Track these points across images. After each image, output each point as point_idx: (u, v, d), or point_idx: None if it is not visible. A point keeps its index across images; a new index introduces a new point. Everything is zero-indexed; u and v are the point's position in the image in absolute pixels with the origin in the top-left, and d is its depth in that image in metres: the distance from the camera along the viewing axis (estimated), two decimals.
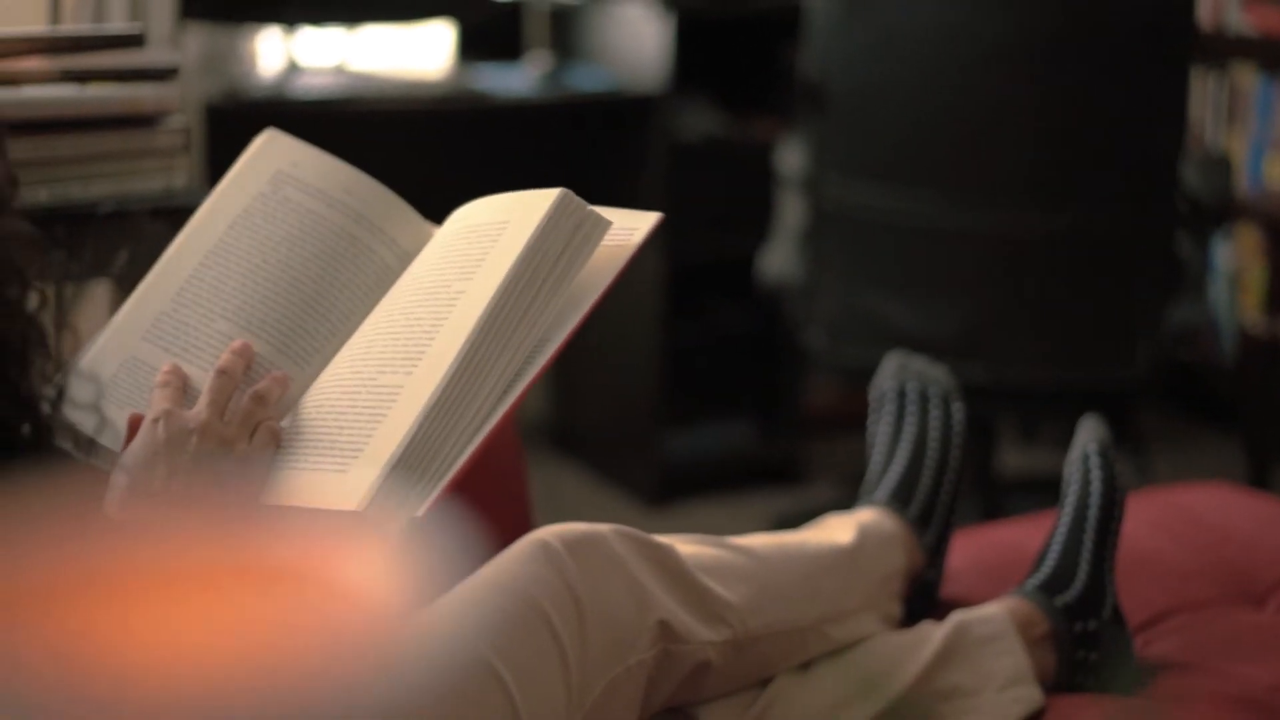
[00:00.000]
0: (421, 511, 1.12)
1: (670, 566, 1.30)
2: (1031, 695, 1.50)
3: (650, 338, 3.36)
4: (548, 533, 1.26)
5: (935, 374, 1.75)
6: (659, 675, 1.28)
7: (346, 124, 3.19)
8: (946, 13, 2.70)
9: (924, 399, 1.73)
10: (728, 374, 3.64)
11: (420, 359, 1.18)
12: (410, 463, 1.13)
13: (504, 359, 1.17)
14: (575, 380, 3.64)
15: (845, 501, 3.26)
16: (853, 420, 3.89)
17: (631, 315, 3.38)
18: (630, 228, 1.23)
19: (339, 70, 3.36)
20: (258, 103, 3.09)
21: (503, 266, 1.18)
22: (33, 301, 0.89)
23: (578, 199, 1.20)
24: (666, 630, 1.27)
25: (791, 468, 3.57)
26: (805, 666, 1.44)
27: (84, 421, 1.14)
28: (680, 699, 1.33)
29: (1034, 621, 1.53)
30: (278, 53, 3.31)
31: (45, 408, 0.89)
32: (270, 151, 1.38)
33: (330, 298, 1.30)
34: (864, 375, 3.15)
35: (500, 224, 1.22)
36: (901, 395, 1.74)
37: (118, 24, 1.86)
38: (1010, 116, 2.73)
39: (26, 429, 0.87)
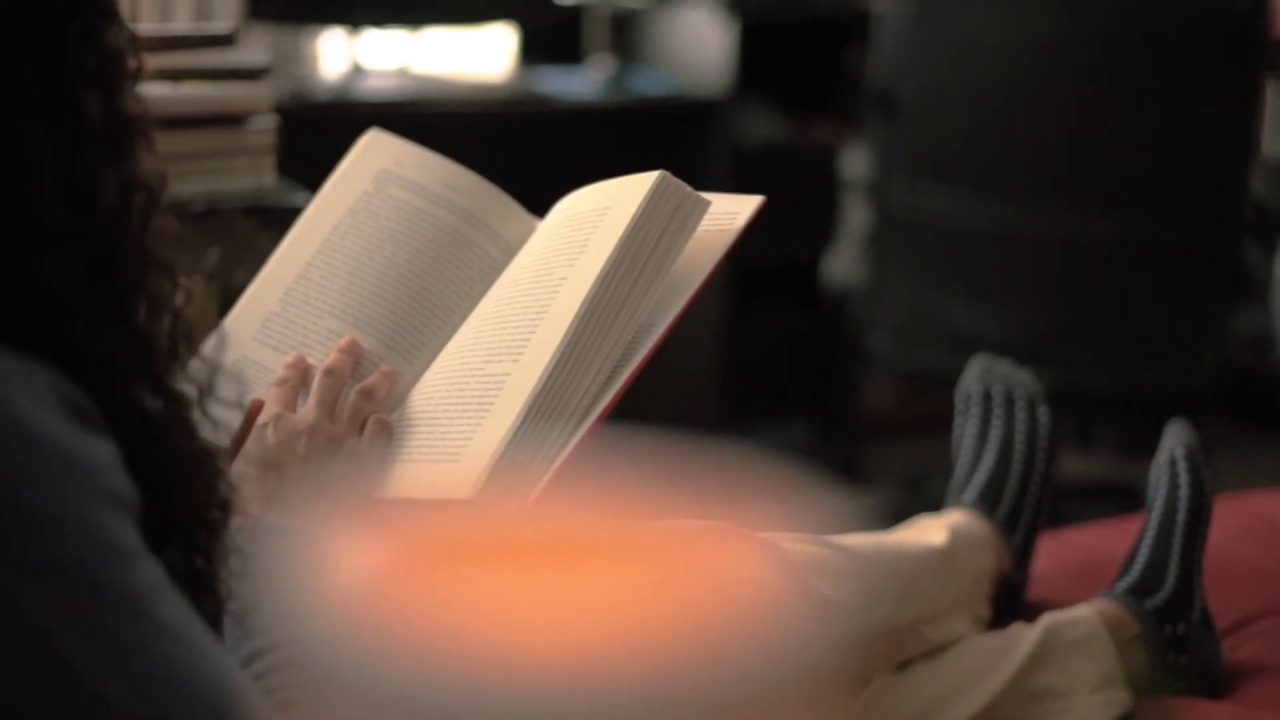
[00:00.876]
0: (532, 498, 1.13)
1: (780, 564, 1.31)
2: (1122, 698, 1.50)
3: (711, 340, 3.38)
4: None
5: (1021, 378, 1.76)
6: None
7: (411, 126, 3.20)
8: (1016, 19, 2.71)
9: (1010, 402, 1.73)
10: (787, 377, 3.65)
11: (525, 346, 1.19)
12: (520, 450, 1.14)
13: (608, 343, 1.17)
14: (636, 381, 3.65)
15: (904, 505, 3.27)
16: (910, 424, 3.91)
17: (693, 318, 3.37)
18: (733, 212, 1.24)
19: (402, 73, 3.38)
20: (323, 105, 3.11)
21: (604, 250, 1.19)
22: (180, 298, 0.90)
23: (676, 180, 1.21)
24: None
25: (850, 470, 3.58)
26: (901, 667, 1.44)
27: (231, 418, 1.16)
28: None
29: (1124, 624, 1.54)
30: (341, 55, 3.33)
31: (191, 404, 0.90)
32: (374, 151, 1.39)
33: (436, 293, 1.32)
34: (928, 379, 3.16)
35: (601, 209, 1.23)
36: (987, 398, 1.74)
37: (212, 24, 1.88)
38: (1079, 122, 2.73)
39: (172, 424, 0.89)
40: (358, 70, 3.29)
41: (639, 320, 1.19)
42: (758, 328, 3.51)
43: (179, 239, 0.88)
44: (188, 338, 0.90)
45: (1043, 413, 1.73)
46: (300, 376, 1.24)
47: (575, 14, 3.66)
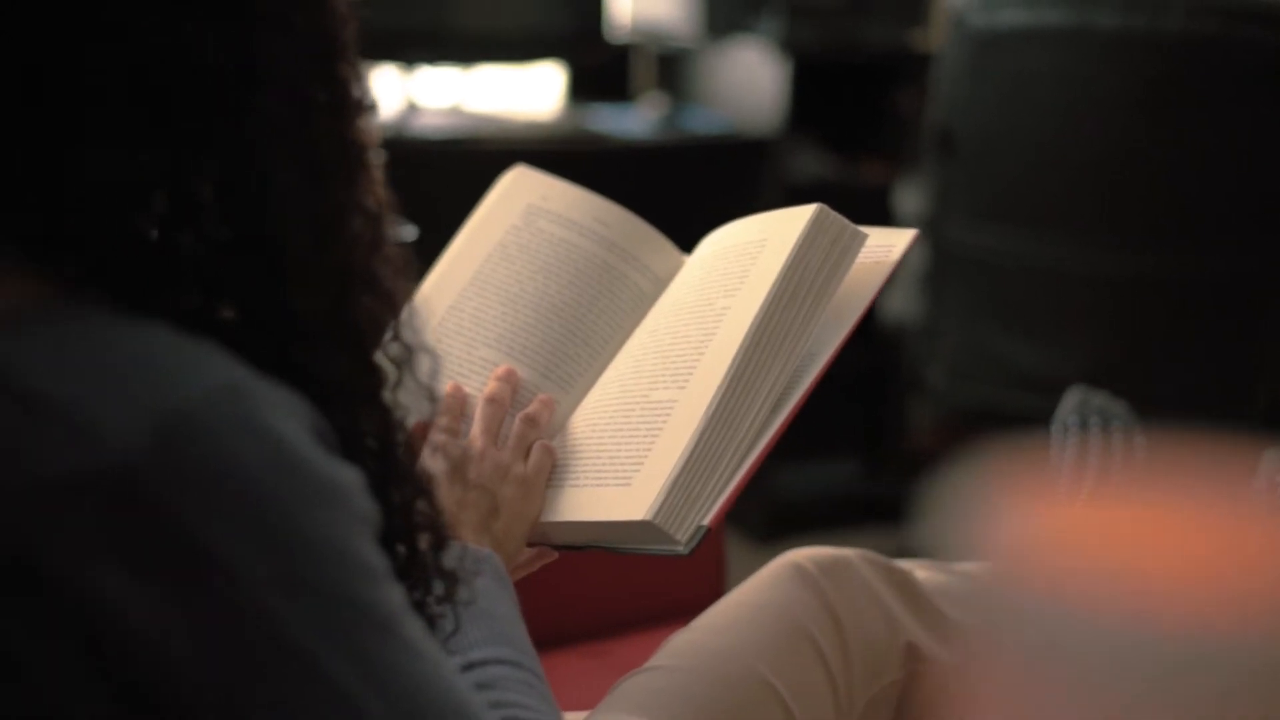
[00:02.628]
0: (710, 520, 1.16)
1: (911, 590, 1.34)
2: None
3: None
4: (799, 555, 1.29)
5: (1117, 408, 1.79)
6: (906, 697, 1.31)
7: (467, 163, 3.25)
8: (1072, 57, 2.74)
9: (1107, 433, 1.76)
10: (836, 412, 3.68)
11: (692, 373, 1.21)
12: (693, 472, 1.17)
13: (774, 371, 1.20)
14: None
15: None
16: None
17: None
18: (888, 244, 1.27)
19: (455, 110, 3.42)
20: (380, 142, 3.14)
21: (766, 280, 1.21)
22: (405, 330, 0.93)
23: (834, 213, 1.24)
24: (914, 652, 1.30)
25: (898, 506, 3.60)
26: None
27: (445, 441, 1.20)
28: None
29: None
30: (395, 92, 3.36)
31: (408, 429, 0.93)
32: (520, 186, 1.42)
33: (589, 323, 1.35)
34: (984, 415, 3.18)
35: (758, 242, 1.26)
36: (1084, 429, 1.77)
37: None
38: (1134, 159, 2.77)
39: (374, 443, 0.91)
40: (412, 108, 3.33)
41: (803, 348, 1.21)
42: None
43: (403, 269, 0.91)
44: (407, 365, 0.93)
45: (1139, 443, 1.76)
46: (460, 405, 1.27)
47: (623, 53, 3.70)
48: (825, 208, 1.24)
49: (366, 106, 0.89)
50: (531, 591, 1.19)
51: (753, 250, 1.26)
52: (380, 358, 0.91)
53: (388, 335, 0.92)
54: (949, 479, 0.46)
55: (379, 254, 0.89)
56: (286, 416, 0.77)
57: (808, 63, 3.39)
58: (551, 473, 1.25)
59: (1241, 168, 2.75)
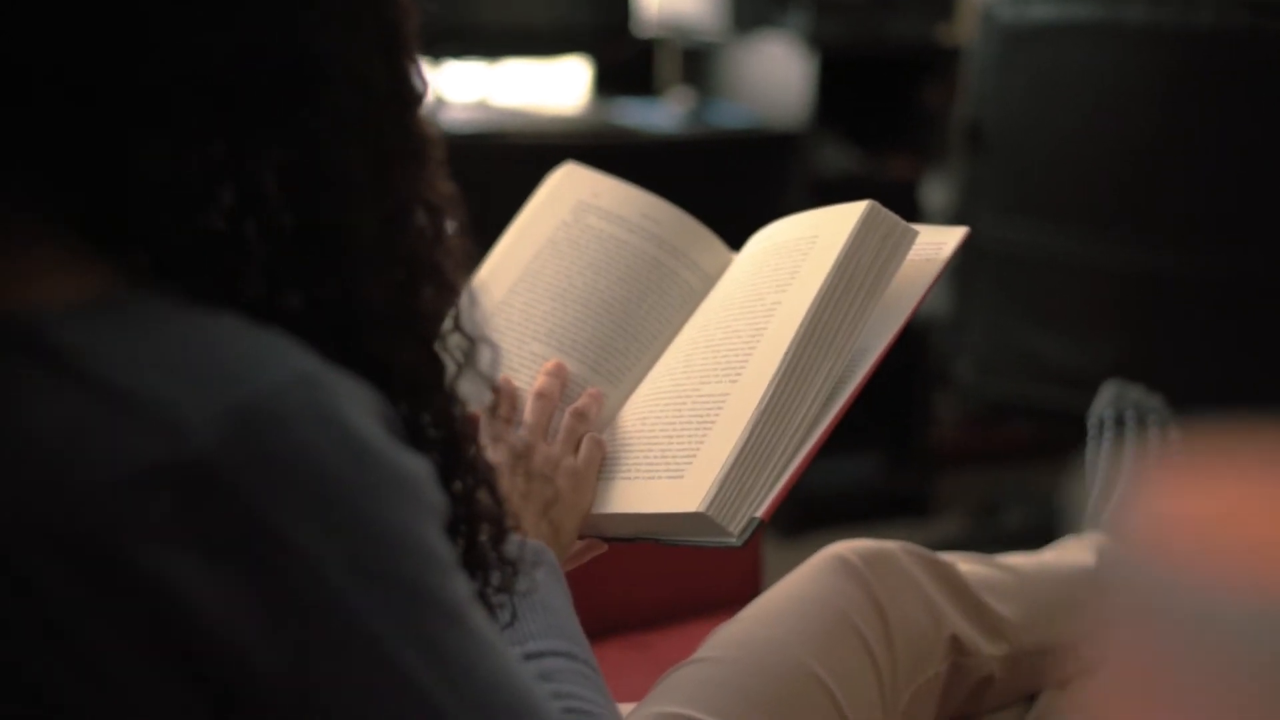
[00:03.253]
0: (763, 512, 1.16)
1: (954, 583, 1.34)
2: None
3: None
4: (843, 548, 1.30)
5: (1153, 403, 1.79)
6: (950, 688, 1.31)
7: (494, 158, 3.25)
8: (1103, 51, 2.74)
9: (1143, 428, 1.76)
10: (863, 406, 3.67)
11: (744, 367, 1.22)
12: (746, 465, 1.18)
13: (826, 365, 1.21)
14: None
15: (974, 536, 3.29)
16: (981, 454, 3.93)
17: None
18: (939, 242, 1.27)
19: (481, 105, 3.43)
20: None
21: (818, 276, 1.22)
22: (467, 321, 0.94)
23: (885, 210, 1.24)
24: (957, 644, 1.31)
25: (921, 501, 3.61)
26: (1063, 683, 1.47)
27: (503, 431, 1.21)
28: (963, 711, 1.36)
29: None
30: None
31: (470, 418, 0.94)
32: (570, 183, 1.43)
33: (638, 319, 1.35)
34: (1011, 409, 3.19)
35: (809, 238, 1.26)
36: (1120, 423, 1.77)
37: None
38: (1164, 154, 2.76)
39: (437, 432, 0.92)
40: (439, 102, 3.33)
41: (855, 343, 1.22)
42: None
43: (464, 262, 0.91)
44: (469, 355, 0.93)
45: (1175, 438, 1.76)
46: (511, 399, 1.27)
47: (649, 47, 3.70)
48: (877, 205, 1.24)
49: (428, 99, 0.90)
50: (574, 584, 1.19)
51: (804, 246, 1.26)
52: (441, 348, 0.92)
53: (448, 326, 0.93)
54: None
55: (441, 246, 0.90)
56: (357, 406, 0.77)
57: (834, 57, 3.39)
58: (602, 466, 1.26)
59: (1271, 163, 2.74)
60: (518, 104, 3.49)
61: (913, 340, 3.35)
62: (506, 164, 3.58)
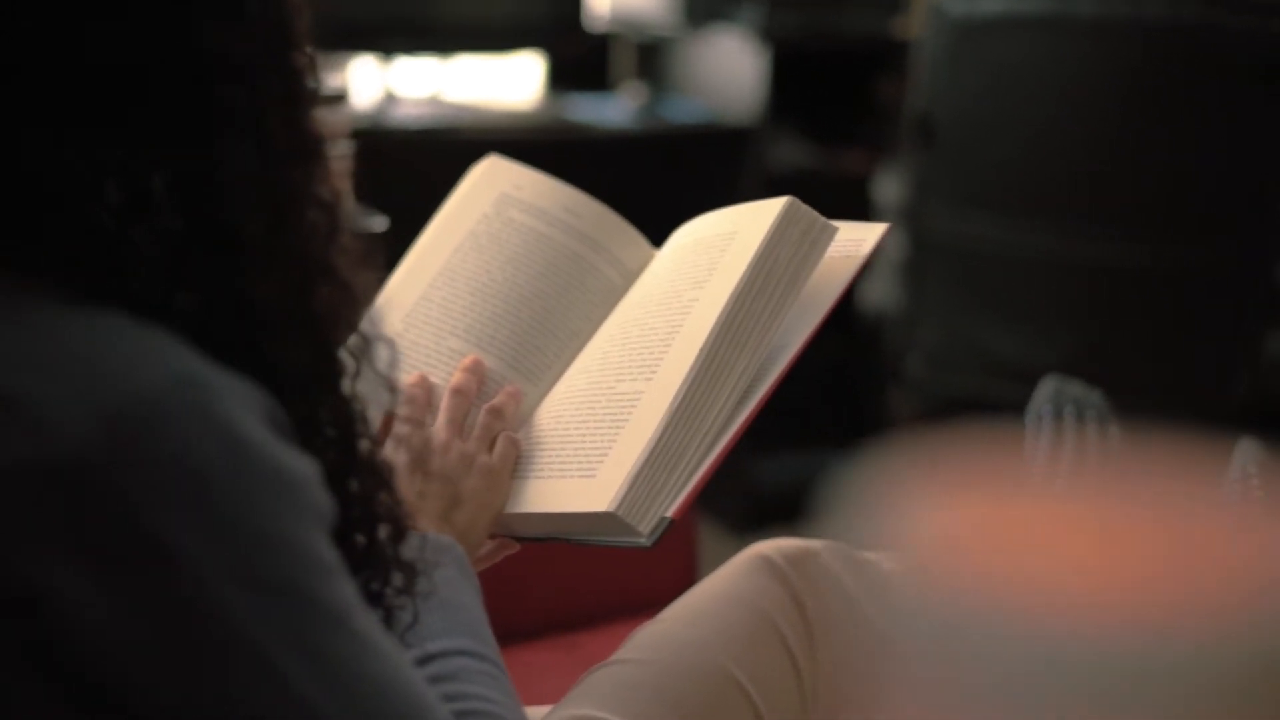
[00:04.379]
0: (674, 511, 1.15)
1: (878, 582, 1.33)
2: None
3: None
4: (766, 547, 1.28)
5: (1093, 398, 1.78)
6: None
7: (446, 154, 3.23)
8: (1053, 45, 2.74)
9: (1081, 423, 1.75)
10: (816, 402, 3.67)
11: (659, 365, 1.21)
12: (657, 464, 1.16)
13: (741, 363, 1.19)
14: None
15: None
16: None
17: None
18: (859, 239, 1.26)
19: (434, 100, 3.41)
20: (357, 132, 3.13)
21: (735, 272, 1.21)
22: (358, 317, 0.92)
23: (804, 206, 1.23)
24: None
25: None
26: None
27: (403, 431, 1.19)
28: None
29: None
30: (373, 83, 3.35)
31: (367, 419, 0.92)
32: (492, 175, 1.41)
33: (558, 315, 1.34)
34: (964, 404, 3.18)
35: (728, 234, 1.25)
36: (1059, 419, 1.76)
37: None
38: (1113, 147, 2.76)
39: (333, 433, 0.90)
40: (390, 98, 3.31)
41: (771, 340, 1.21)
42: None
43: (361, 259, 0.90)
44: (365, 355, 0.92)
45: (1114, 433, 1.75)
46: (426, 395, 1.26)
47: (603, 42, 3.68)
48: (796, 201, 1.23)
49: (323, 96, 0.88)
50: (503, 583, 1.18)
51: (722, 243, 1.25)
52: (339, 348, 0.91)
53: (346, 325, 0.91)
54: (866, 466, 0.45)
55: (336, 244, 0.88)
56: (242, 407, 0.76)
57: (788, 51, 3.38)
58: (516, 464, 1.25)
59: (1222, 156, 2.74)
60: (471, 100, 3.47)
61: (865, 336, 3.35)
62: (459, 160, 3.57)
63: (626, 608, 1.72)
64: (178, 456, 0.73)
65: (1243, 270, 2.80)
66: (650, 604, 1.63)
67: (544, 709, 1.18)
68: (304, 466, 0.78)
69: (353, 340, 0.91)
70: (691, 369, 1.18)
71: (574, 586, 1.73)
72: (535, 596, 1.70)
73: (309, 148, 0.87)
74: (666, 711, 1.14)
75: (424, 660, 0.99)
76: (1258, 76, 2.69)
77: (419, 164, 2.69)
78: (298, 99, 0.87)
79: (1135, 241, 2.78)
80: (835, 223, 1.24)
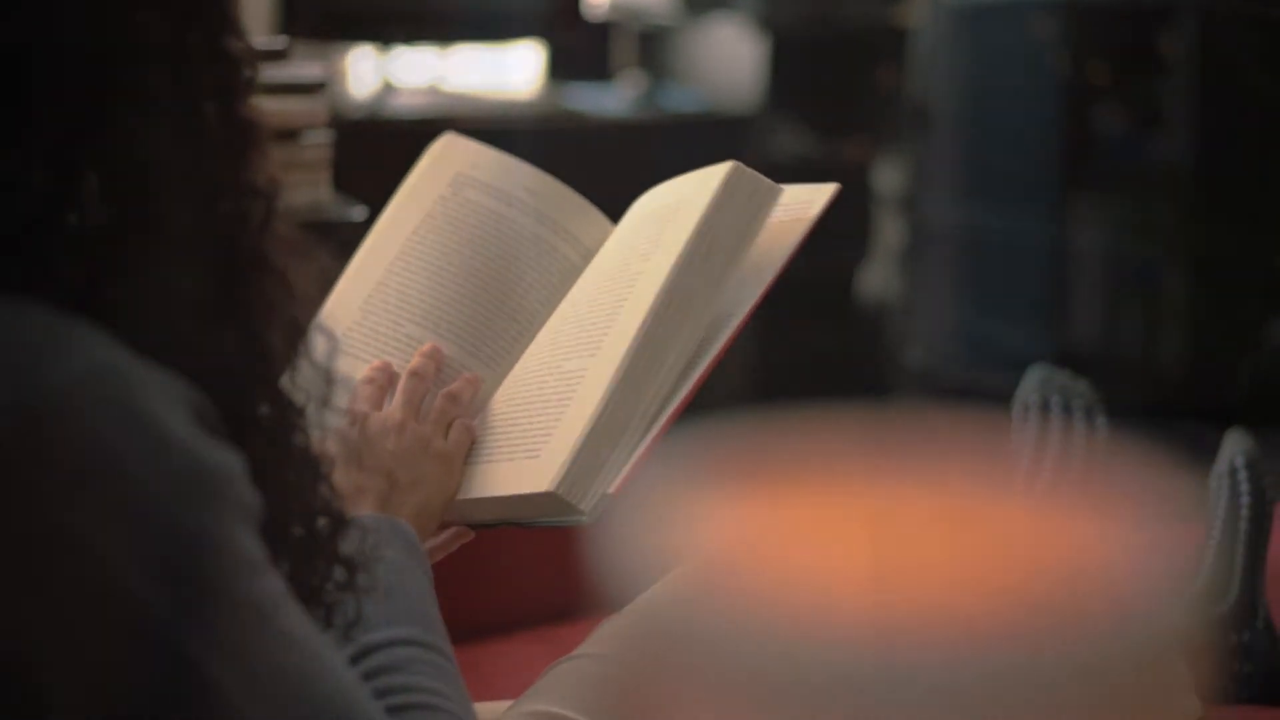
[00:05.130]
0: (614, 488, 1.13)
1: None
2: (1189, 706, 1.50)
3: (741, 356, 3.38)
4: None
5: (1079, 387, 1.76)
6: None
7: None
8: (1051, 32, 2.72)
9: (1068, 412, 1.73)
10: (813, 390, 3.65)
11: (603, 340, 1.19)
12: (598, 441, 1.14)
13: (684, 333, 1.18)
14: None
15: None
16: None
17: None
18: (807, 201, 1.24)
19: (433, 90, 3.39)
20: (354, 122, 3.11)
21: (678, 242, 1.19)
22: (295, 307, 0.90)
23: (750, 171, 1.21)
24: None
25: None
26: None
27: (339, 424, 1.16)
28: None
29: (1189, 632, 1.54)
30: (372, 72, 3.34)
31: (304, 412, 0.90)
32: (449, 155, 1.39)
33: (517, 298, 1.32)
34: (963, 393, 3.16)
35: (674, 204, 1.23)
36: (1046, 408, 1.75)
37: (262, 38, 1.89)
38: (1114, 136, 2.74)
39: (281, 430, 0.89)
40: (388, 88, 3.30)
41: (715, 309, 1.19)
42: (789, 343, 3.51)
43: (295, 248, 0.88)
44: (302, 346, 0.90)
45: (1100, 423, 1.73)
46: (387, 378, 1.24)
47: (604, 31, 3.67)
48: (740, 165, 1.20)
49: (259, 84, 0.87)
50: (485, 575, 1.16)
51: (668, 213, 1.23)
52: (273, 339, 0.89)
53: (284, 315, 0.90)
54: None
55: (268, 234, 0.86)
56: (163, 399, 0.74)
57: (787, 40, 3.36)
58: (471, 450, 1.23)
59: (1221, 142, 2.72)
60: (470, 89, 3.45)
61: (863, 324, 3.33)
62: None
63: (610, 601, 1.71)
64: (93, 450, 0.71)
65: (1243, 257, 2.77)
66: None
67: (504, 704, 1.16)
68: (228, 460, 0.76)
69: (290, 331, 0.90)
70: (632, 342, 1.16)
71: (555, 579, 1.71)
72: (516, 589, 1.68)
73: (244, 136, 0.86)
74: (628, 708, 1.12)
75: (366, 651, 0.97)
76: (1262, 60, 2.67)
77: (418, 154, 2.67)
78: (231, 86, 0.85)
79: (1135, 229, 2.76)
80: (784, 186, 1.21)
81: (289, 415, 0.88)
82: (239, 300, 0.85)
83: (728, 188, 1.19)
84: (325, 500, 0.91)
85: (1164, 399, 2.86)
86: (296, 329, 0.90)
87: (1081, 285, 2.81)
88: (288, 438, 0.88)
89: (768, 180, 1.20)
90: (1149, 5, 2.67)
